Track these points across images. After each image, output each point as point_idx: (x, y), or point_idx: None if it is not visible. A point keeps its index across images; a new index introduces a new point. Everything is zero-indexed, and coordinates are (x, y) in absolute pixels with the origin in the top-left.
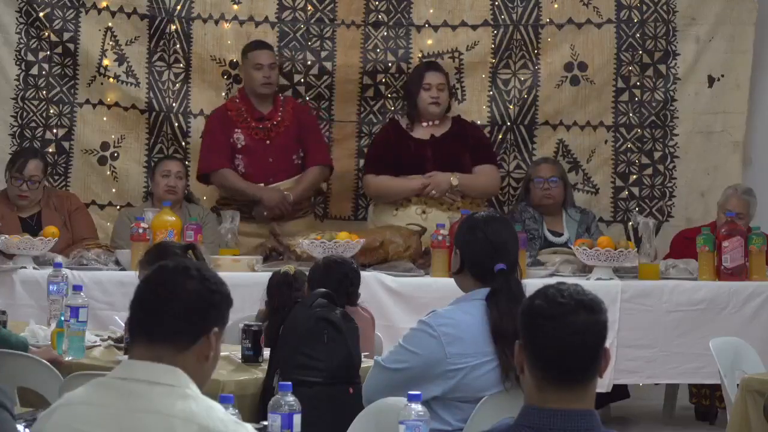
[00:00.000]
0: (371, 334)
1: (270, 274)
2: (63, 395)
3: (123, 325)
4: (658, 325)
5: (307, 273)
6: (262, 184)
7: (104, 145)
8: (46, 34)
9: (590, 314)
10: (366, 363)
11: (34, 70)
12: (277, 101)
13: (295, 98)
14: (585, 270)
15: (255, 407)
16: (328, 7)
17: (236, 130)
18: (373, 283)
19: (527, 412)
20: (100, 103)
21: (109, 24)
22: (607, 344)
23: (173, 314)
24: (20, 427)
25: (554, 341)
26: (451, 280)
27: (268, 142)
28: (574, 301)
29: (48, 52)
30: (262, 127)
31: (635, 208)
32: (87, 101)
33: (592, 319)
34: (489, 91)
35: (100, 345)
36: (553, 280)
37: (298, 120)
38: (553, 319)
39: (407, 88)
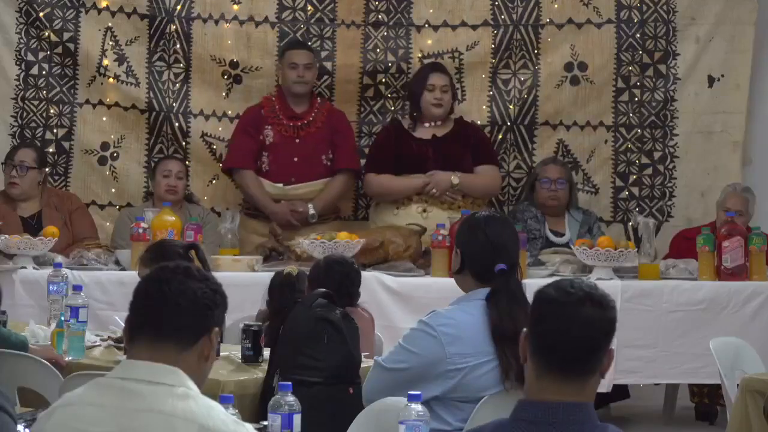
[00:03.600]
0: (371, 334)
1: (270, 274)
2: (63, 395)
3: (123, 324)
4: (658, 325)
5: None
6: (281, 185)
7: (104, 145)
8: (46, 34)
9: (596, 308)
10: (366, 363)
11: (34, 70)
12: (313, 102)
13: (330, 102)
14: (585, 270)
15: (255, 407)
16: (328, 7)
17: (267, 126)
18: (373, 283)
19: (522, 406)
20: (100, 103)
21: (109, 24)
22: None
23: (181, 312)
24: (20, 427)
25: (556, 326)
26: (451, 280)
27: (297, 140)
28: (583, 292)
29: (48, 52)
30: (292, 126)
31: (635, 208)
32: (87, 101)
33: (598, 313)
34: (489, 91)
35: (100, 345)
36: (552, 280)
37: (331, 123)
38: (559, 305)
39: (411, 89)
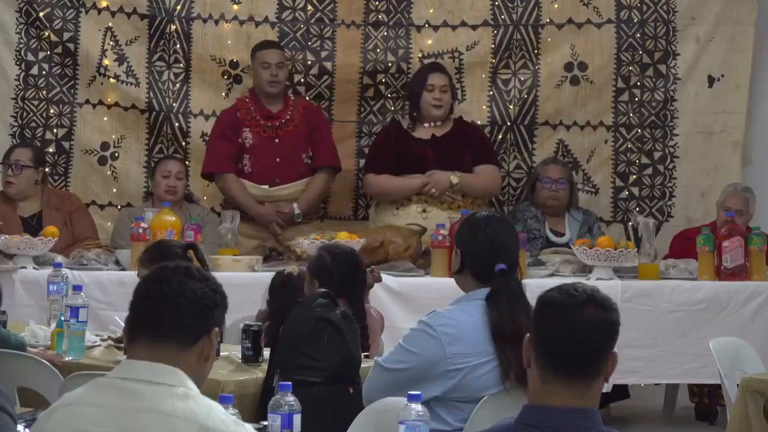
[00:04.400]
0: (378, 335)
1: (270, 274)
2: (63, 395)
3: (123, 324)
4: (658, 325)
5: None
6: (266, 186)
7: (104, 145)
8: (46, 34)
9: (599, 310)
10: (366, 363)
11: (34, 70)
12: (287, 100)
13: (305, 98)
14: (585, 270)
15: (255, 407)
16: (328, 7)
17: (245, 129)
18: None
19: (527, 411)
20: (100, 103)
21: (109, 24)
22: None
23: (181, 312)
24: (20, 427)
25: (559, 329)
26: (451, 280)
27: (276, 140)
28: (587, 295)
29: (48, 52)
30: (270, 126)
31: (635, 208)
32: (87, 101)
33: (600, 315)
34: (489, 91)
35: (100, 345)
36: (552, 280)
37: (308, 120)
38: (563, 308)
39: (410, 89)
